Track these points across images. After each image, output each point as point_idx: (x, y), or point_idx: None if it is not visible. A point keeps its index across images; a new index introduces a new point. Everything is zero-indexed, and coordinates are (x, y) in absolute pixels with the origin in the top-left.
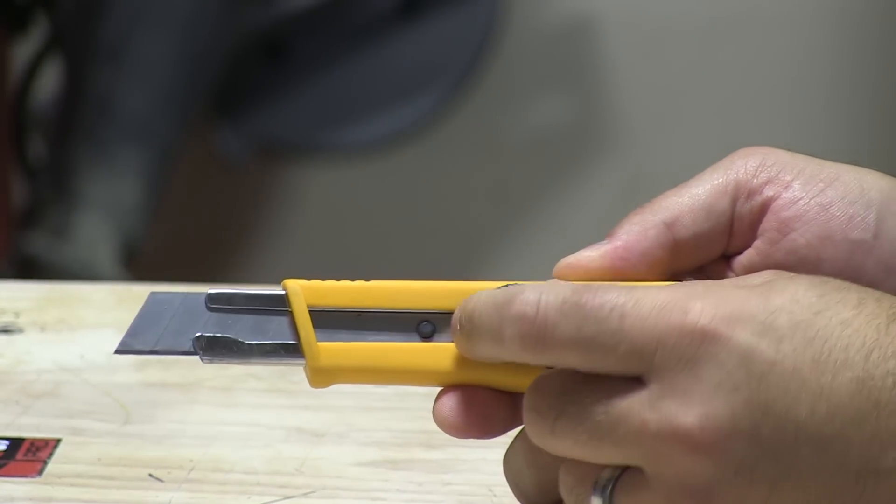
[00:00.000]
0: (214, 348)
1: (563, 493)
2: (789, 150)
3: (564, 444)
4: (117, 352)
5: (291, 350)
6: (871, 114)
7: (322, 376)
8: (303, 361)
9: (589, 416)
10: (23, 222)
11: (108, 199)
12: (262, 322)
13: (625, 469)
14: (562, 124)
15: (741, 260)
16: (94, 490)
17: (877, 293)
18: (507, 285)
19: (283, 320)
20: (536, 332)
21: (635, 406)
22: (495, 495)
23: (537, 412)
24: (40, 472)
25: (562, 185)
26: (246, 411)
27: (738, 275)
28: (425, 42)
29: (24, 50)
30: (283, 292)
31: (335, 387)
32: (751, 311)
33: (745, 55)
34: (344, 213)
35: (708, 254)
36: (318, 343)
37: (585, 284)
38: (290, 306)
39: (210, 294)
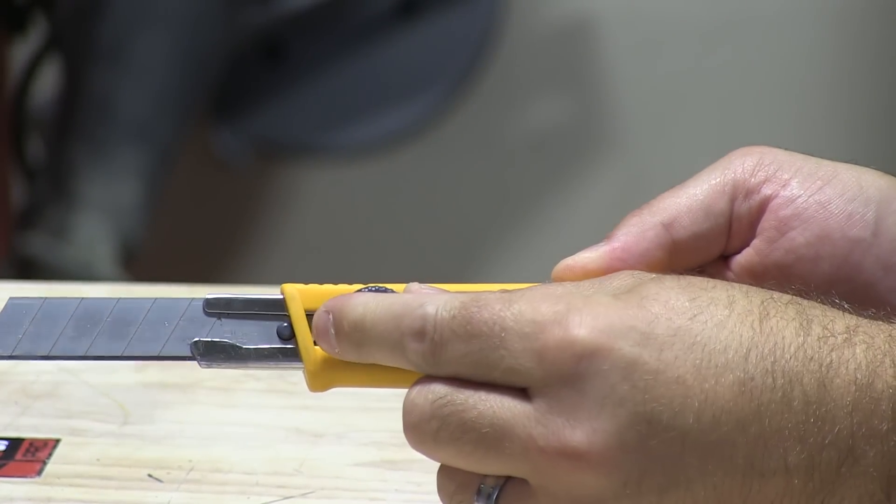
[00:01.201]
0: (212, 353)
1: (443, 499)
2: (791, 149)
3: (446, 454)
4: None
5: (289, 354)
6: (870, 115)
7: (320, 380)
8: (301, 365)
9: (474, 427)
10: (22, 223)
11: (106, 199)
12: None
13: (509, 478)
14: (561, 125)
15: (739, 259)
16: (93, 490)
17: (744, 287)
18: (375, 287)
19: (282, 324)
20: (433, 348)
21: (521, 420)
22: None
23: (418, 420)
24: (39, 473)
25: (561, 186)
26: (245, 412)
27: (737, 275)
28: (424, 43)
29: (22, 50)
30: (281, 296)
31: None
32: (629, 323)
33: (744, 56)
34: (343, 214)
35: (707, 254)
36: (316, 346)
37: (475, 296)
38: (287, 310)
39: (208, 299)
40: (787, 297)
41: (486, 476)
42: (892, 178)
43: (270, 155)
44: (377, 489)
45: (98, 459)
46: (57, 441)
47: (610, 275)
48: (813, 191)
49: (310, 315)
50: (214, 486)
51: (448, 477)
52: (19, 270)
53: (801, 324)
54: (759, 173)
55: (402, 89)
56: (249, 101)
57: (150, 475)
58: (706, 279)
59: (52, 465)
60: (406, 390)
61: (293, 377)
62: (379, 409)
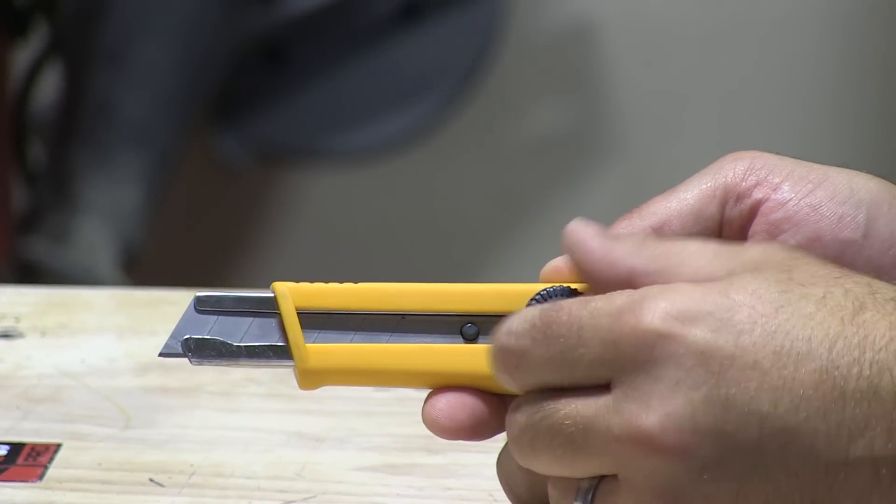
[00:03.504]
0: (203, 350)
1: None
2: (790, 154)
3: (544, 462)
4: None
5: (280, 352)
6: (872, 119)
7: (311, 378)
8: (291, 363)
9: (561, 429)
10: (23, 227)
11: (108, 203)
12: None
13: (602, 478)
14: (563, 129)
15: None
16: (94, 495)
17: (847, 284)
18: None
19: (273, 322)
20: (517, 361)
21: (601, 413)
22: (496, 500)
23: (517, 434)
24: (41, 477)
25: (563, 190)
26: (246, 416)
27: None
28: (426, 47)
29: (24, 55)
30: (272, 295)
31: (335, 391)
32: (707, 309)
33: (746, 60)
34: (345, 218)
35: None
36: (307, 345)
37: (553, 303)
38: (278, 308)
39: (199, 297)
40: (892, 293)
41: (581, 479)
42: (883, 180)
43: (272, 159)
44: (379, 494)
45: (99, 464)
46: (58, 445)
47: (749, 244)
48: (804, 194)
49: (301, 313)
50: (216, 490)
51: (554, 486)
52: (20, 274)
53: None
54: (749, 177)
55: (404, 94)
56: (251, 105)
57: (151, 479)
58: (809, 275)
59: (53, 470)
60: (406, 393)
61: (294, 381)
62: (381, 413)
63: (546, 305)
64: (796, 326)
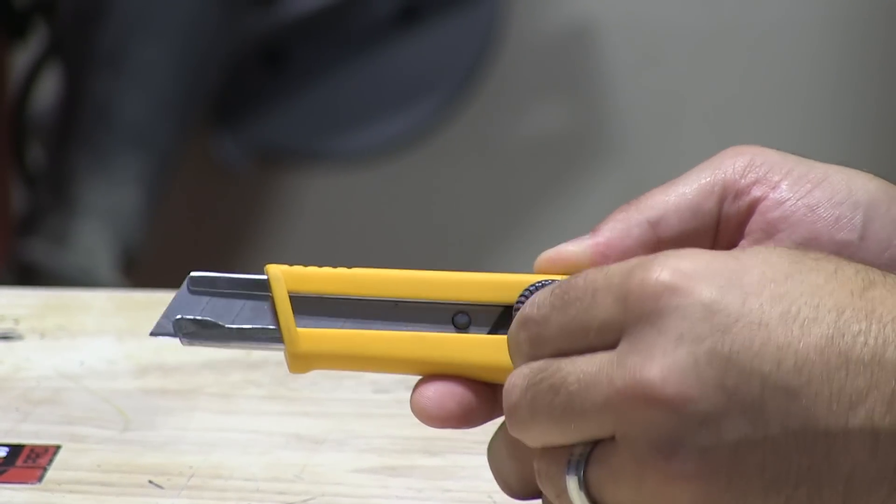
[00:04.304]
0: (193, 330)
1: (541, 484)
2: (781, 151)
3: (540, 426)
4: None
5: (271, 335)
6: (871, 121)
7: (300, 362)
8: (282, 346)
9: (563, 387)
10: (22, 229)
11: (107, 205)
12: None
13: (596, 443)
14: (561, 131)
15: None
16: (93, 497)
17: (857, 265)
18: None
19: (265, 305)
20: (538, 329)
21: (604, 367)
22: (495, 502)
23: (517, 399)
24: (40, 479)
25: (561, 192)
26: (245, 418)
27: None
28: (424, 49)
29: (23, 57)
30: (265, 277)
31: (334, 394)
32: (717, 268)
33: (744, 62)
34: (344, 220)
35: None
36: (298, 329)
37: (574, 274)
38: (271, 291)
39: (192, 277)
40: None
41: (574, 446)
42: (883, 181)
43: (271, 161)
44: (378, 495)
45: (98, 466)
46: (57, 447)
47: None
48: (802, 194)
49: (294, 297)
50: (215, 492)
51: (542, 458)
52: (19, 276)
53: None
54: (749, 174)
55: (403, 95)
56: (250, 107)
57: (150, 481)
58: (822, 254)
59: (52, 472)
60: (405, 395)
61: (293, 383)
62: (380, 415)
63: (568, 277)
64: (805, 293)
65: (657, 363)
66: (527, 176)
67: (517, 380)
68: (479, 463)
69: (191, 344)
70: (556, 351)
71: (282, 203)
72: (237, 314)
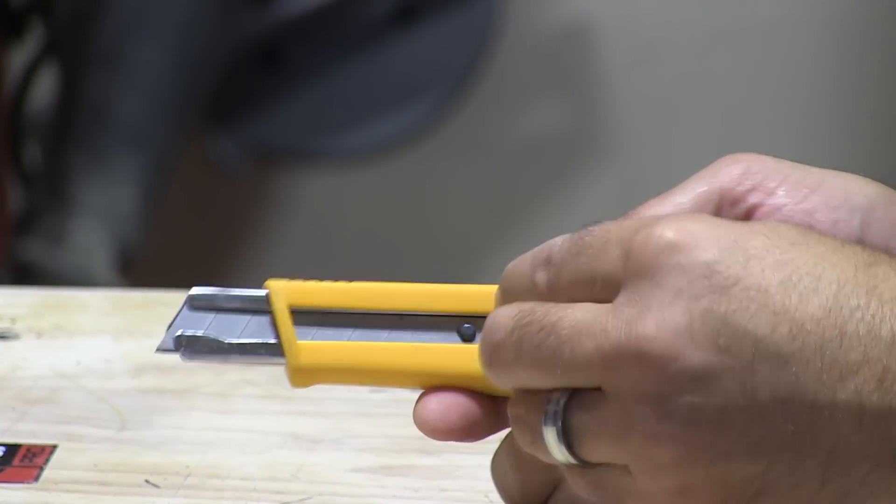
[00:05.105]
0: (194, 346)
1: (515, 429)
2: (786, 156)
3: (523, 367)
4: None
5: (272, 349)
6: (868, 121)
7: (301, 376)
8: (283, 361)
9: (554, 329)
10: (19, 229)
11: (103, 205)
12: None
13: (576, 390)
14: (558, 130)
15: None
16: (90, 496)
17: (865, 246)
18: None
19: (266, 320)
20: (557, 272)
21: (600, 317)
22: (491, 501)
23: (503, 336)
24: (36, 479)
25: (558, 191)
26: (242, 417)
27: None
28: (421, 48)
29: (20, 56)
30: (265, 292)
31: (331, 393)
32: (723, 232)
33: (742, 62)
34: (340, 219)
35: None
36: (299, 342)
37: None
38: (271, 306)
39: (192, 295)
40: None
41: (552, 391)
42: (879, 185)
43: (267, 160)
44: (375, 495)
45: (95, 465)
46: (54, 447)
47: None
48: (799, 199)
49: (297, 311)
50: (211, 491)
51: (518, 402)
52: (16, 276)
53: None
54: (745, 182)
55: (399, 95)
56: (246, 106)
57: (147, 481)
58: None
59: (49, 471)
60: (401, 394)
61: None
62: (377, 414)
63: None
64: (808, 263)
65: (652, 317)
66: (523, 175)
67: (503, 319)
68: (476, 462)
69: (192, 360)
70: (565, 297)
71: (279, 202)
72: (242, 330)
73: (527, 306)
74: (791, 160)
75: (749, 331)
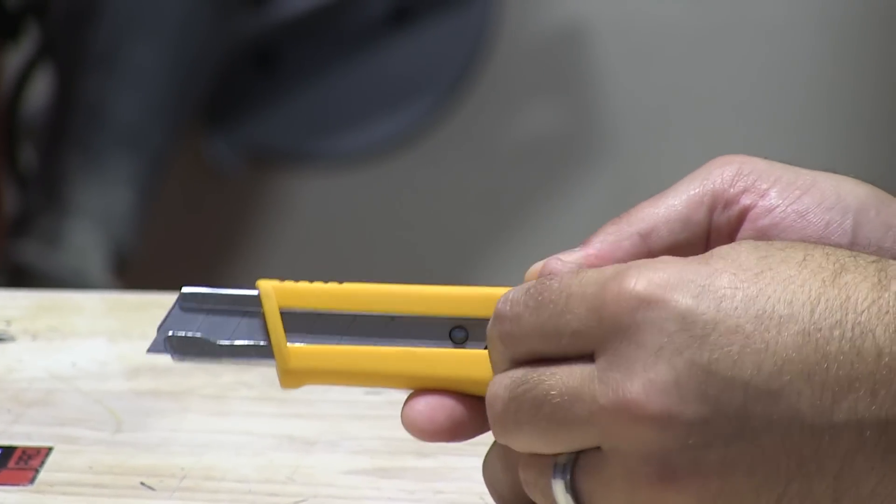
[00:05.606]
0: (185, 347)
1: (529, 492)
2: (783, 157)
3: (526, 436)
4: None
5: (262, 351)
6: (865, 123)
7: (291, 377)
8: (273, 362)
9: (546, 399)
10: (14, 230)
11: (99, 207)
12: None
13: (580, 452)
14: (553, 132)
15: None
16: (85, 498)
17: (828, 248)
18: None
19: (257, 321)
20: (511, 327)
21: (586, 382)
22: (486, 503)
23: (501, 410)
24: (32, 481)
25: (554, 193)
26: (238, 419)
27: None
28: (417, 50)
29: (15, 58)
30: (256, 292)
31: (326, 395)
32: (689, 277)
33: (736, 63)
34: (336, 221)
35: None
36: (289, 345)
37: (549, 276)
38: (261, 307)
39: (183, 293)
40: (873, 257)
41: (559, 454)
42: (870, 186)
43: (263, 162)
44: (370, 497)
45: (90, 467)
46: (49, 449)
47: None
48: (791, 200)
49: (289, 313)
50: (207, 493)
51: (528, 466)
52: (11, 278)
53: (879, 280)
54: (738, 183)
55: (395, 97)
56: (241, 108)
57: (142, 483)
58: (789, 242)
59: (44, 474)
60: (397, 396)
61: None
62: (372, 416)
63: (543, 278)
64: (777, 290)
65: (638, 379)
66: (518, 177)
67: (499, 389)
68: (471, 464)
69: (182, 361)
70: (529, 351)
71: (274, 204)
72: (232, 331)
73: (517, 375)
74: (787, 161)
75: (736, 376)
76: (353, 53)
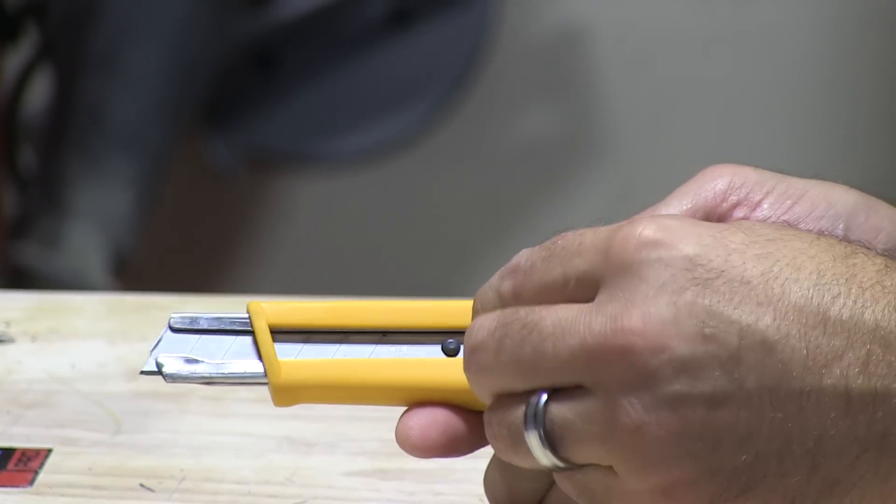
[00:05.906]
0: (177, 369)
1: (492, 438)
2: (780, 161)
3: (504, 366)
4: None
5: (254, 367)
6: (862, 124)
7: (284, 394)
8: (266, 381)
9: (537, 327)
10: (13, 232)
11: (98, 209)
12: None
13: (555, 391)
14: (553, 134)
15: None
16: (85, 500)
17: (838, 238)
18: None
19: (248, 340)
20: (523, 279)
21: (583, 313)
22: None
23: (484, 337)
24: (31, 482)
25: (552, 196)
26: (237, 421)
27: None
28: (416, 52)
29: (14, 60)
30: (246, 314)
31: None
32: (701, 229)
33: (736, 67)
34: (335, 223)
35: None
36: (280, 361)
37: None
38: (252, 326)
39: (172, 318)
40: (881, 255)
41: (532, 393)
42: (859, 192)
43: (262, 164)
44: (369, 498)
45: (90, 469)
46: (49, 451)
47: None
48: (783, 210)
49: (280, 331)
50: (206, 495)
51: (497, 408)
52: (11, 279)
53: (886, 265)
54: (730, 197)
55: (394, 99)
56: (241, 110)
57: (141, 484)
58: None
59: (44, 475)
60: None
61: None
62: (371, 418)
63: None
64: (787, 255)
65: (637, 310)
66: (518, 179)
67: (486, 321)
68: (471, 466)
69: (174, 382)
70: (540, 300)
71: (274, 206)
72: (225, 352)
73: (508, 310)
74: (787, 164)
75: (734, 320)
76: (353, 55)
